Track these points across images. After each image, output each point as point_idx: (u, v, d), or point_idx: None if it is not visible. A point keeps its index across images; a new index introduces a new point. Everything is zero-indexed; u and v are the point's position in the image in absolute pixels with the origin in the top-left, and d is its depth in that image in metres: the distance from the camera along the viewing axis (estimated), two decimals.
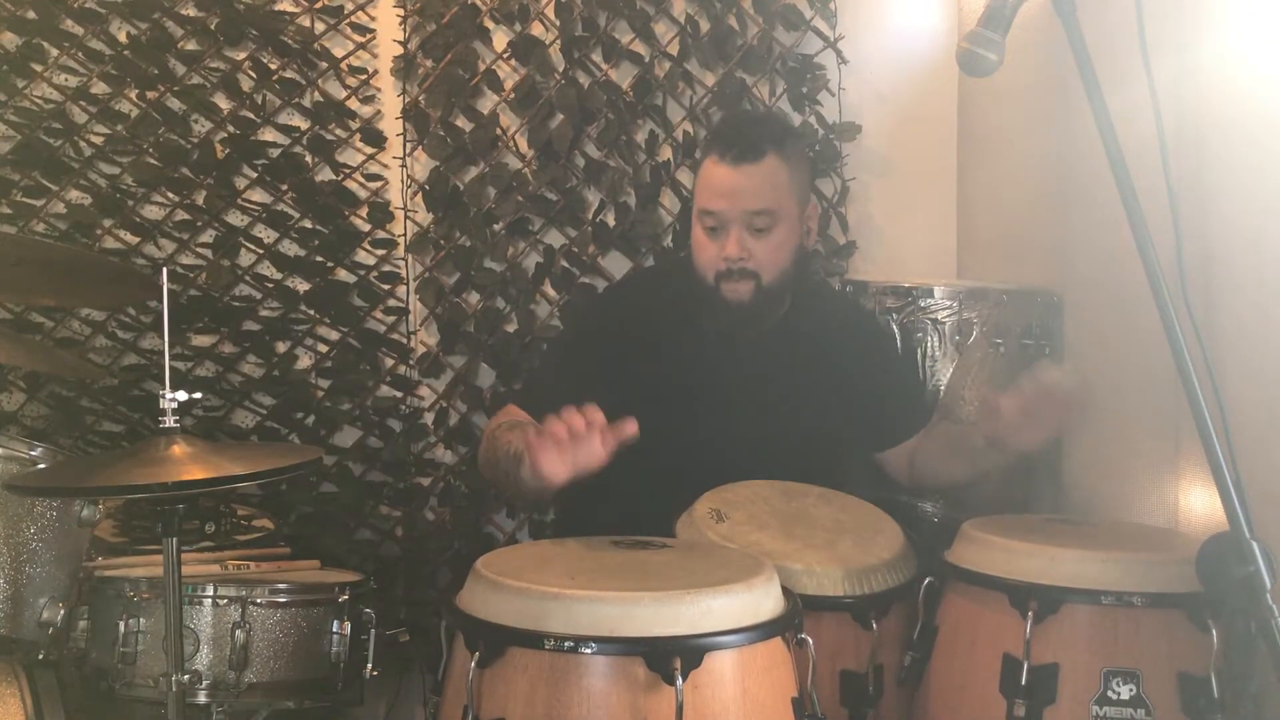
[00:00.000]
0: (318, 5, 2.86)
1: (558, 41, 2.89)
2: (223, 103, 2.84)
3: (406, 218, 2.90)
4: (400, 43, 2.87)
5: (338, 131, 2.88)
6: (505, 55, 2.90)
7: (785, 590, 1.68)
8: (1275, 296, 1.80)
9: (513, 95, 2.89)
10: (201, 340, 2.84)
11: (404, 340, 2.92)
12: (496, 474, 2.12)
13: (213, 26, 2.80)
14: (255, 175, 2.85)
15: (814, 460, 2.25)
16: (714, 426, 2.25)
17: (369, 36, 2.89)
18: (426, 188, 2.88)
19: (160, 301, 1.80)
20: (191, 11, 2.81)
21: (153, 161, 2.80)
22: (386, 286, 2.91)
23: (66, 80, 2.78)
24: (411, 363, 2.92)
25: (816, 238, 2.34)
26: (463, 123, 2.89)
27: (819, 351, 2.31)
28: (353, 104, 2.89)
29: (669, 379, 2.25)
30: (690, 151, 2.92)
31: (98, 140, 2.79)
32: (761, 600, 1.60)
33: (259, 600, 2.01)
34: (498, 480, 2.15)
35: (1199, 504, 1.99)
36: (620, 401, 1.92)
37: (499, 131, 2.90)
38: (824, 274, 2.92)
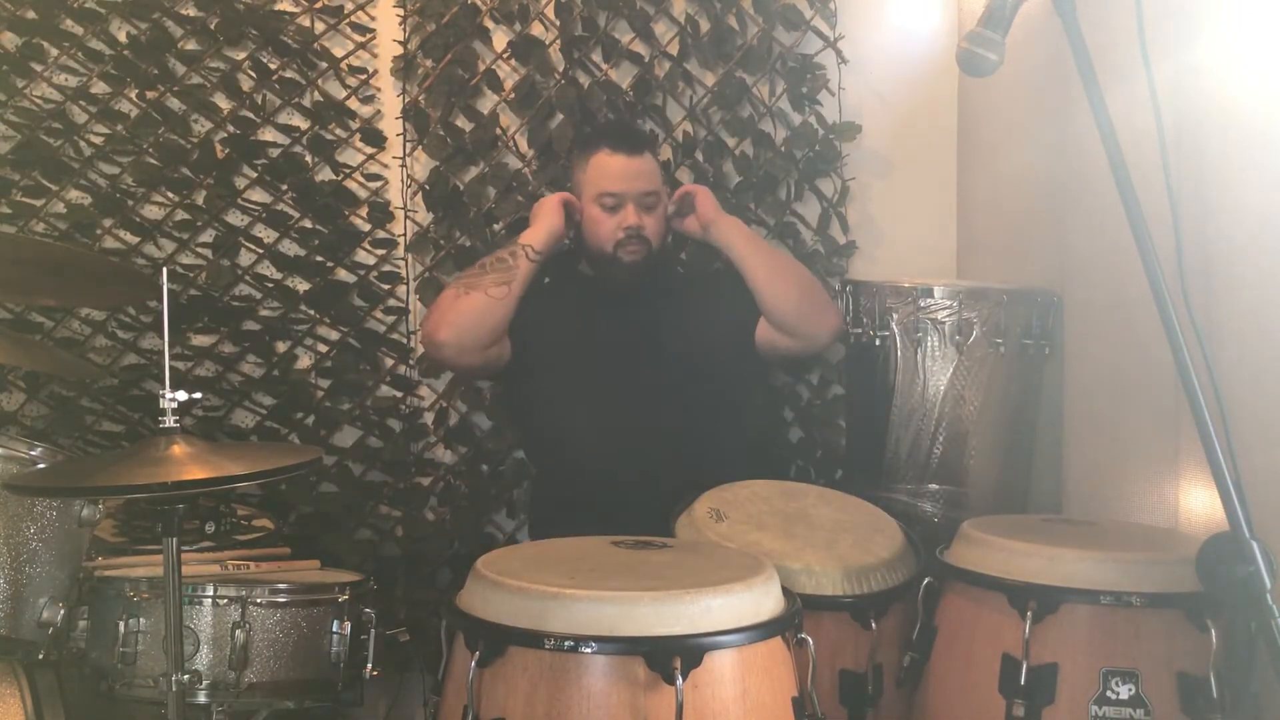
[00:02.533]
0: (318, 5, 2.86)
1: (558, 41, 2.89)
2: (223, 103, 2.84)
3: (406, 218, 2.90)
4: (400, 43, 2.88)
5: (338, 131, 2.88)
6: (505, 55, 2.90)
7: (785, 590, 1.68)
8: (1275, 296, 1.80)
9: (513, 95, 2.89)
10: (201, 340, 2.85)
11: (404, 340, 2.92)
12: (494, 296, 2.53)
13: (213, 26, 2.81)
14: (255, 175, 2.85)
15: (722, 392, 2.58)
16: (631, 383, 2.55)
17: (369, 36, 2.89)
18: (426, 187, 2.88)
19: (160, 301, 1.80)
20: (191, 11, 2.81)
21: (153, 161, 2.80)
22: (386, 286, 2.91)
23: (66, 80, 2.78)
24: (411, 363, 2.92)
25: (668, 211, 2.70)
26: (463, 123, 2.89)
27: (682, 296, 2.69)
28: (353, 104, 2.89)
29: (579, 358, 2.59)
30: (690, 152, 2.92)
31: (98, 140, 2.79)
32: (761, 600, 1.60)
33: (259, 600, 2.01)
34: (494, 310, 2.53)
35: (1199, 504, 1.99)
36: (550, 389, 2.55)
37: (499, 131, 2.90)
38: (824, 274, 2.92)
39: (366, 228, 2.90)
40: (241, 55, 2.84)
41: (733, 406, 2.60)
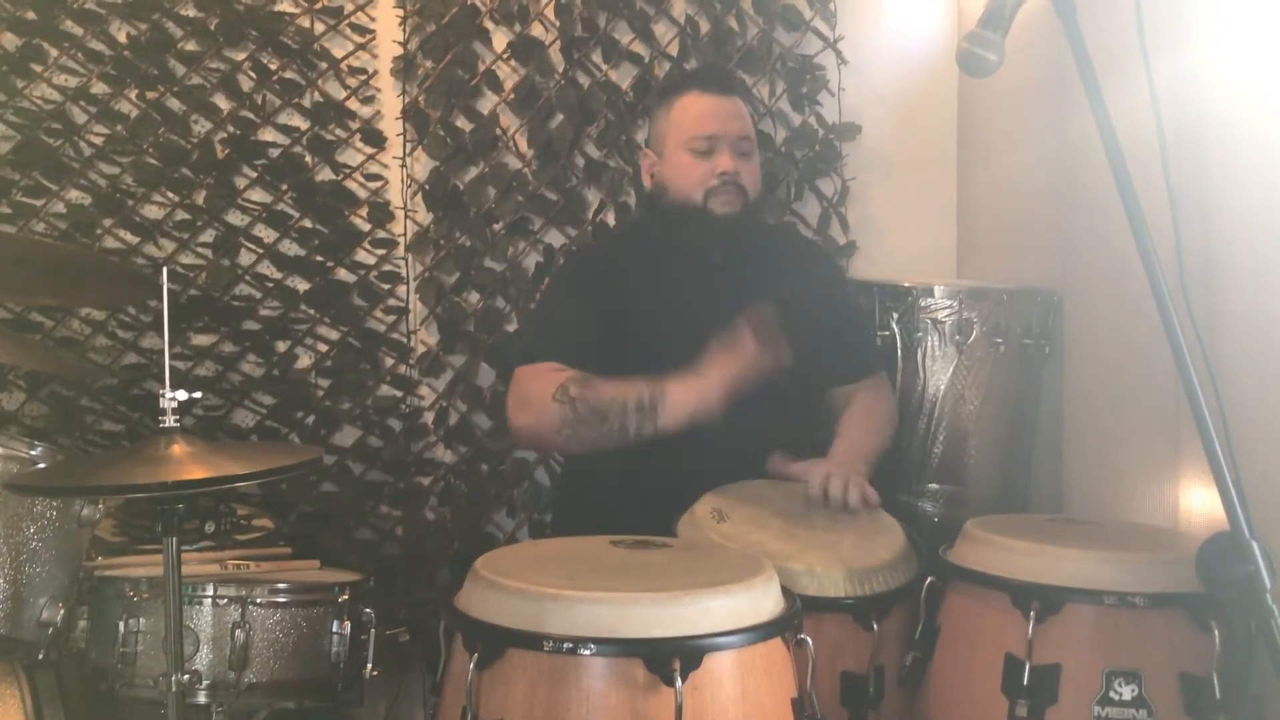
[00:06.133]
0: (318, 6, 2.86)
1: (557, 42, 2.89)
2: (223, 103, 2.84)
3: (406, 217, 2.90)
4: (400, 43, 2.87)
5: (338, 131, 2.88)
6: (505, 55, 2.89)
7: (785, 590, 1.68)
8: (1275, 296, 1.80)
9: (513, 95, 2.89)
10: (201, 340, 2.84)
11: (404, 340, 2.92)
12: (602, 431, 2.13)
13: (212, 27, 2.80)
14: (255, 175, 2.85)
15: (791, 398, 2.27)
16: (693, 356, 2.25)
17: (369, 37, 2.89)
18: (426, 187, 2.88)
19: (160, 301, 1.80)
20: (191, 12, 2.81)
21: (153, 161, 2.80)
22: (386, 286, 2.91)
23: (66, 80, 2.78)
24: (411, 362, 2.92)
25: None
26: (463, 123, 2.89)
27: (786, 285, 2.38)
28: (353, 104, 2.89)
29: (654, 321, 2.32)
30: None
31: (98, 140, 2.79)
32: (761, 601, 1.60)
33: (259, 600, 2.01)
34: (599, 439, 2.14)
35: (1199, 504, 1.99)
36: (612, 344, 2.21)
37: (499, 131, 2.90)
38: None
39: (366, 228, 2.89)
40: (241, 56, 2.83)
41: (811, 405, 2.39)
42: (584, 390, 2.14)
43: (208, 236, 2.84)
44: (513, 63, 2.90)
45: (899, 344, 2.47)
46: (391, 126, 2.89)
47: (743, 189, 2.33)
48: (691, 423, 2.09)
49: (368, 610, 2.10)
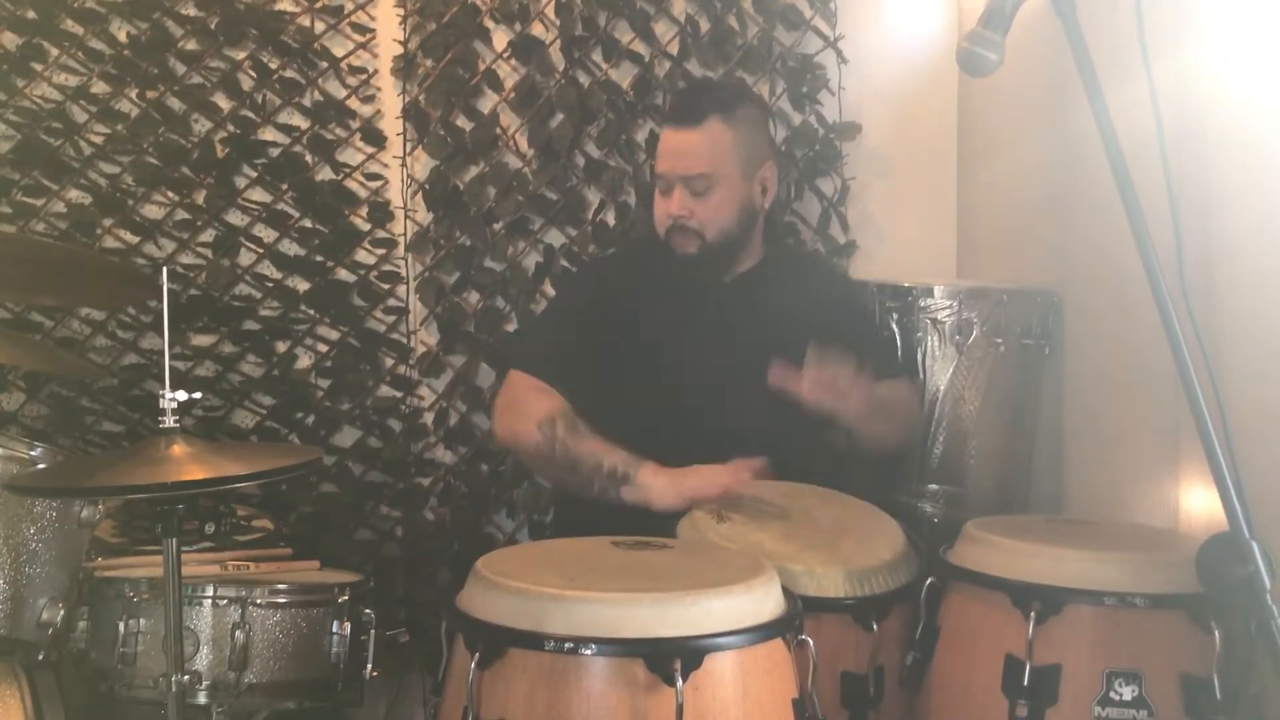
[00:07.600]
0: (318, 5, 2.85)
1: (558, 41, 2.89)
2: (223, 102, 2.83)
3: (406, 217, 2.90)
4: (400, 42, 2.87)
5: (338, 131, 2.88)
6: (505, 55, 2.89)
7: (786, 591, 1.68)
8: (1275, 296, 1.80)
9: (513, 95, 2.89)
10: (201, 340, 2.84)
11: (404, 340, 2.92)
12: (568, 475, 2.18)
13: (213, 26, 2.80)
14: (255, 175, 2.85)
15: (793, 420, 2.25)
16: (698, 383, 2.31)
17: (369, 36, 2.89)
18: (426, 187, 2.88)
19: (160, 301, 1.80)
20: (191, 11, 2.81)
21: (153, 161, 2.80)
22: (386, 286, 2.91)
23: (66, 80, 2.78)
24: (411, 362, 2.92)
25: (774, 195, 2.45)
26: (463, 122, 2.89)
27: (791, 306, 2.37)
28: (353, 103, 2.89)
29: (654, 341, 2.34)
30: None
31: (98, 140, 2.79)
32: (762, 601, 1.60)
33: (259, 601, 2.01)
34: (561, 478, 2.21)
35: (1199, 504, 1.99)
36: (610, 365, 2.23)
37: (499, 131, 2.89)
38: None
39: (366, 227, 2.89)
40: (242, 55, 2.83)
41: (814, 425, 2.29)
42: (568, 435, 2.17)
43: (208, 236, 2.84)
44: (513, 62, 2.90)
45: (899, 344, 2.47)
46: (391, 126, 2.89)
47: (697, 231, 2.30)
48: (644, 507, 2.10)
49: (368, 611, 2.11)
